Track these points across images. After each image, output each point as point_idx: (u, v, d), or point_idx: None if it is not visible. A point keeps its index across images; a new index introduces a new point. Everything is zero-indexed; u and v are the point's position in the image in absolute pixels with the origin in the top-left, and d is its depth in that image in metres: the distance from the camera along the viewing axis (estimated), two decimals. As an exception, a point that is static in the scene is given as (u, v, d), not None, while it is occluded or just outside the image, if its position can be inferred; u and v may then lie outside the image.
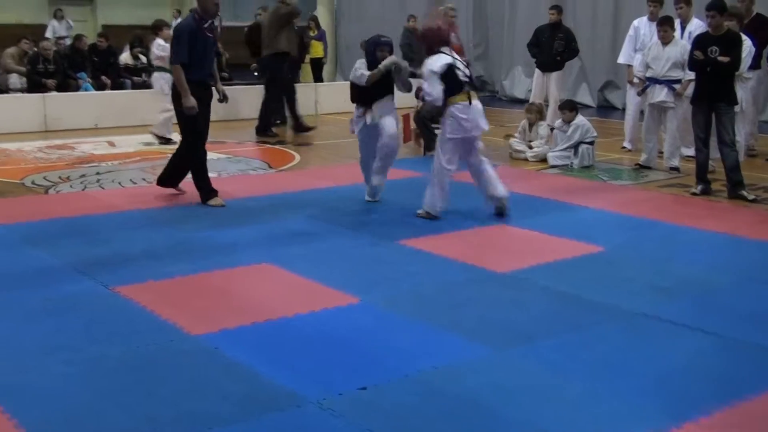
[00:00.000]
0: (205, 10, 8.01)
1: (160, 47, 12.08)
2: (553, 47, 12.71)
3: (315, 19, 19.75)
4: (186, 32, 7.94)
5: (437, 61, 7.37)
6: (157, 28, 12.44)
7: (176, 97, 7.99)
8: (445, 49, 7.51)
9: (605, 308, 5.31)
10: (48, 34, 19.02)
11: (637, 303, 5.37)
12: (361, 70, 7.85)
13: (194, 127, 8.06)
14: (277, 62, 12.99)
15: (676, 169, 9.94)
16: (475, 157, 7.68)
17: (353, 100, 8.11)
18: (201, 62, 8.00)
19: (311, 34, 19.10)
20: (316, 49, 18.90)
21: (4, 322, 4.98)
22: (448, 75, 7.36)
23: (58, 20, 19.90)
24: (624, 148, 11.67)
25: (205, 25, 8.03)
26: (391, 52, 7.93)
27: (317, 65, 19.18)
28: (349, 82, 8.15)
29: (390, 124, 7.97)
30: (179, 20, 12.81)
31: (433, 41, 7.54)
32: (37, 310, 5.19)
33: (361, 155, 8.35)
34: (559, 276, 5.98)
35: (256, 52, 13.85)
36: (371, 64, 7.83)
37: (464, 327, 4.94)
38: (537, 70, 13.06)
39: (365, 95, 7.95)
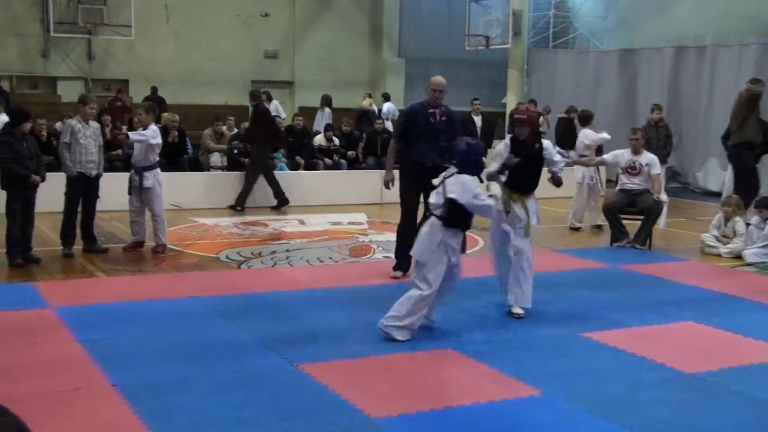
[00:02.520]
0: (429, 97, 8.54)
1: (587, 137, 12.85)
2: None
3: (534, 102, 19.96)
4: (406, 113, 8.69)
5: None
6: (584, 119, 13.13)
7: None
8: None
9: (805, 420, 4.98)
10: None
11: (842, 417, 5.01)
12: (483, 194, 6.47)
13: (402, 202, 8.65)
14: (742, 152, 11.94)
15: None
16: None
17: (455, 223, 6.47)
18: (418, 143, 8.43)
19: None
20: None
21: (197, 393, 5.20)
22: None
23: (267, 102, 20.85)
24: None
25: (430, 111, 8.46)
26: None
27: None
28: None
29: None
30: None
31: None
32: (227, 382, 5.39)
33: None
34: (754, 381, 5.66)
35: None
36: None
37: (650, 430, 4.75)
38: (730, 164, 12.61)
39: (466, 218, 6.56)
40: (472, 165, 6.44)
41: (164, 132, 14.14)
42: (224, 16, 23.79)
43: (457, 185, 6.31)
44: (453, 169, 6.44)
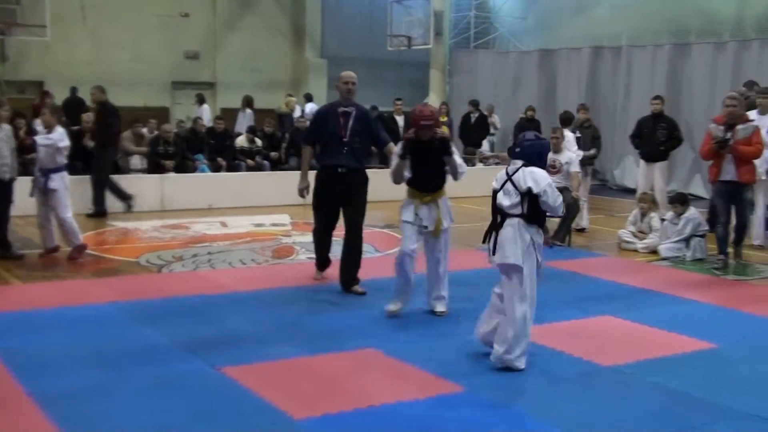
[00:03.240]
0: (340, 94, 8.04)
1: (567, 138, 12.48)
2: (655, 137, 12.59)
3: (446, 105, 19.96)
4: (315, 115, 8.20)
5: None
6: (566, 121, 12.78)
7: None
8: None
9: (717, 409, 5.13)
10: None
11: (752, 404, 5.18)
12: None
13: (315, 209, 8.21)
14: None
15: None
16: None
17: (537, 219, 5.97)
18: (329, 147, 8.04)
19: (442, 119, 19.28)
20: None
21: (117, 399, 5.12)
22: None
23: (199, 105, 20.77)
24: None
25: (341, 110, 8.00)
26: None
27: None
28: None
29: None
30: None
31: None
32: (147, 387, 5.32)
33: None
34: (668, 372, 5.81)
35: None
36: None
37: (570, 422, 4.84)
38: (642, 161, 12.92)
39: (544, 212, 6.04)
40: (538, 156, 5.97)
41: (80, 134, 13.89)
42: (143, 16, 23.40)
43: (530, 177, 5.83)
44: (518, 163, 5.93)
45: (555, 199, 5.84)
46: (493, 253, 5.91)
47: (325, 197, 8.09)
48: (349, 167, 7.95)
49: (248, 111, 20.36)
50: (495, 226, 5.94)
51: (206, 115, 19.86)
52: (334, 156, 7.98)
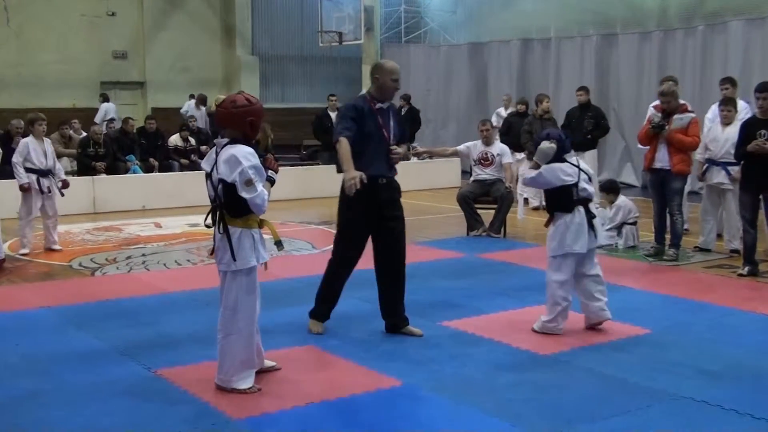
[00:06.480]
0: (383, 89, 6.43)
1: None
2: (582, 127, 12.78)
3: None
4: (351, 109, 6.43)
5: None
6: None
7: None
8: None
9: (651, 392, 5.21)
10: (97, 118, 19.56)
11: (685, 387, 5.28)
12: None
13: (346, 232, 6.71)
14: None
15: (736, 251, 9.54)
16: None
17: None
18: (367, 151, 6.38)
19: None
20: None
21: (51, 406, 5.02)
22: None
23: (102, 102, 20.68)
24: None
25: (378, 107, 6.45)
26: None
27: None
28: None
29: None
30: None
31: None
32: (82, 393, 5.23)
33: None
34: (603, 359, 5.90)
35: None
36: None
37: (508, 411, 4.88)
38: (572, 151, 13.08)
39: None
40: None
41: (8, 138, 13.60)
42: (68, 15, 22.98)
43: None
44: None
45: None
46: None
47: (365, 217, 6.55)
48: (387, 177, 6.54)
49: (203, 109, 20.14)
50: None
51: (110, 113, 19.65)
52: (373, 163, 6.41)
